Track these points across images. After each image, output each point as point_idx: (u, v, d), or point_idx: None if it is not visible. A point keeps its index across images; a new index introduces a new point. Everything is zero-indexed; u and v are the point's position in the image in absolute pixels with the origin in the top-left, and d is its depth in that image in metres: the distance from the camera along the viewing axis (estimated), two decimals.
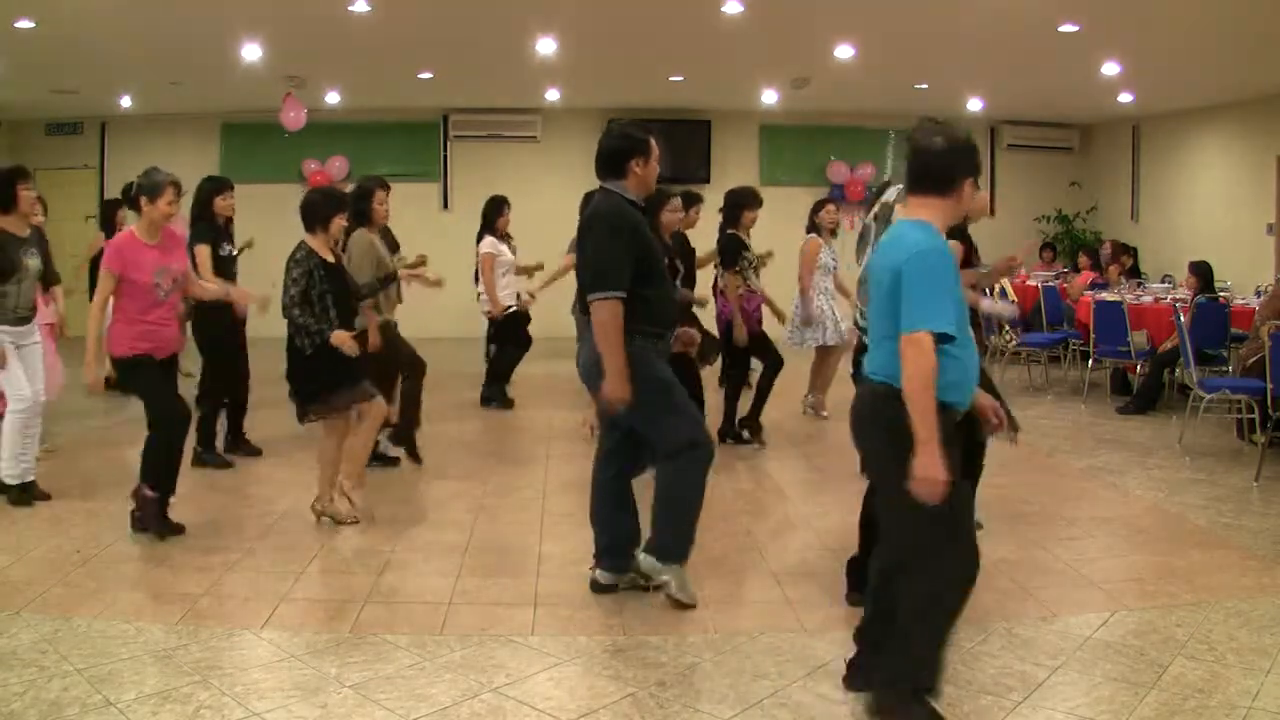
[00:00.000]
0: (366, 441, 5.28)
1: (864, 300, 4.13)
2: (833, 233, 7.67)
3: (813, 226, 7.56)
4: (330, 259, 5.17)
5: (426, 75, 10.59)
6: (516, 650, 3.72)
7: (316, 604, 4.18)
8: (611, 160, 4.05)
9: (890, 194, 4.09)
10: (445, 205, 13.01)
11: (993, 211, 6.12)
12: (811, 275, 7.43)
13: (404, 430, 6.32)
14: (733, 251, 6.82)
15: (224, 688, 3.36)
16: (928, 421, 2.81)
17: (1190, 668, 3.56)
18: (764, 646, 3.77)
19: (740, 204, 6.93)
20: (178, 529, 4.94)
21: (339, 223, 5.23)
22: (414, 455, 6.41)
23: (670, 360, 4.19)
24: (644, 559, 4.08)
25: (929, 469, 2.81)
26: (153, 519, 4.89)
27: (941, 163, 3.02)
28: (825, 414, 7.88)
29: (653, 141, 4.08)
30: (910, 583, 3.04)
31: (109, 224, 8.43)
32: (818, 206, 7.65)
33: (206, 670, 3.49)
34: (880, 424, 3.01)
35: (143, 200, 4.91)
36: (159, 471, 4.92)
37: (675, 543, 4.07)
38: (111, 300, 4.88)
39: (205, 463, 6.27)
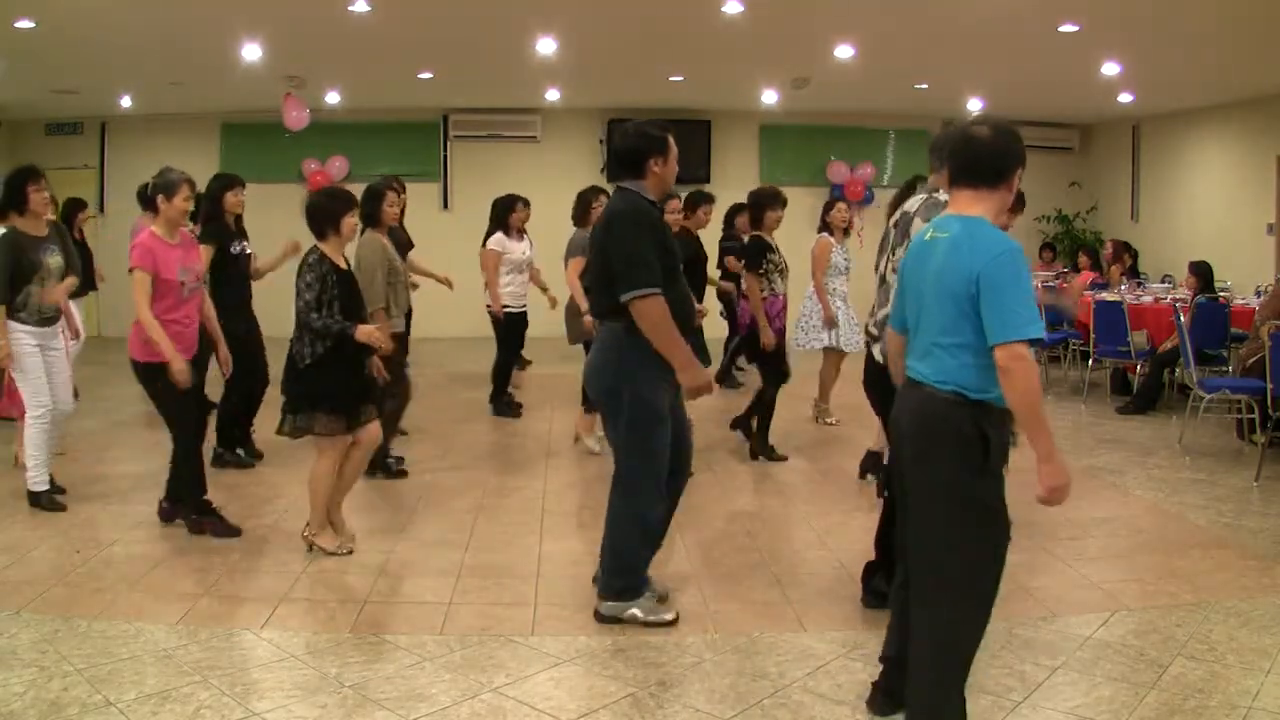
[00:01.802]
0: (357, 467, 4.95)
1: (881, 302, 4.07)
2: (845, 232, 7.52)
3: (824, 226, 7.42)
4: (343, 265, 4.92)
5: (426, 75, 10.59)
6: (516, 650, 3.72)
7: (316, 604, 4.18)
8: (629, 159, 3.93)
9: (912, 203, 3.97)
10: (445, 205, 13.01)
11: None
12: (823, 275, 7.31)
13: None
14: (756, 254, 6.67)
15: (224, 688, 3.36)
16: (1046, 434, 2.70)
17: (1190, 668, 3.56)
18: (764, 646, 3.77)
19: (762, 204, 6.78)
20: (234, 529, 5.03)
21: (350, 223, 4.92)
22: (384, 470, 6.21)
23: None
24: (606, 606, 3.97)
25: (1058, 477, 2.71)
26: (211, 524, 5.02)
27: (992, 151, 2.85)
28: (832, 420, 7.74)
29: (671, 140, 3.95)
30: (931, 618, 2.90)
31: (68, 225, 8.38)
32: (829, 205, 7.50)
33: (206, 670, 3.49)
34: (950, 436, 2.80)
35: (159, 199, 4.90)
36: (193, 480, 5.01)
37: (630, 583, 3.97)
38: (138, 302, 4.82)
39: (226, 463, 6.27)
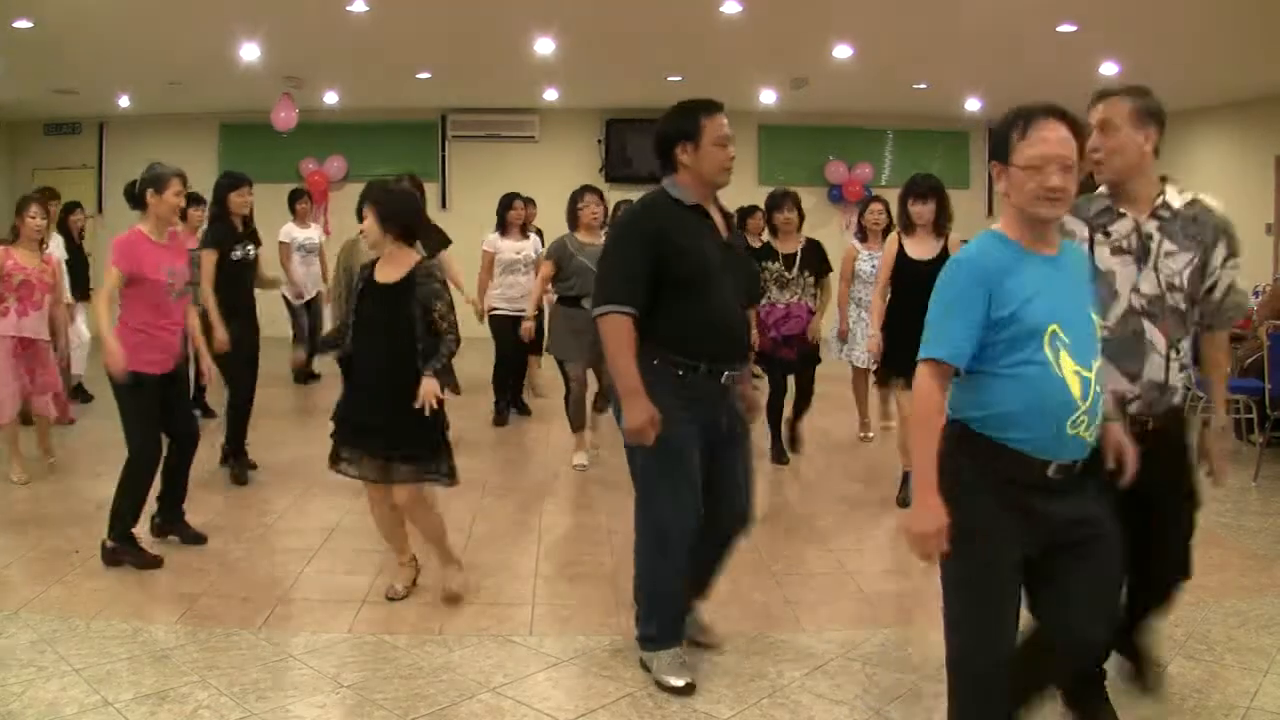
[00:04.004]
0: (413, 521, 4.18)
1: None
2: (882, 236, 6.69)
3: (859, 229, 6.96)
4: (387, 278, 3.94)
5: (425, 75, 10.61)
6: (515, 650, 3.72)
7: (316, 604, 4.18)
8: (659, 152, 3.44)
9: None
10: (444, 205, 13.01)
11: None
12: (847, 285, 6.84)
13: None
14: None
15: (223, 688, 3.36)
16: (922, 466, 2.42)
17: (1189, 668, 3.56)
18: (764, 646, 3.77)
19: (767, 209, 6.66)
20: (155, 561, 4.56)
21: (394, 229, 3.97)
22: None
23: None
24: (641, 653, 3.54)
25: (923, 523, 2.39)
26: (126, 554, 4.57)
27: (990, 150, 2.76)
28: (867, 435, 7.36)
29: (703, 120, 3.37)
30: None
31: (64, 228, 8.36)
32: (864, 205, 7.03)
33: (205, 670, 3.49)
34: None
35: (149, 194, 4.62)
36: (129, 510, 4.57)
37: (651, 632, 3.48)
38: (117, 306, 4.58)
39: (230, 467, 6.09)
